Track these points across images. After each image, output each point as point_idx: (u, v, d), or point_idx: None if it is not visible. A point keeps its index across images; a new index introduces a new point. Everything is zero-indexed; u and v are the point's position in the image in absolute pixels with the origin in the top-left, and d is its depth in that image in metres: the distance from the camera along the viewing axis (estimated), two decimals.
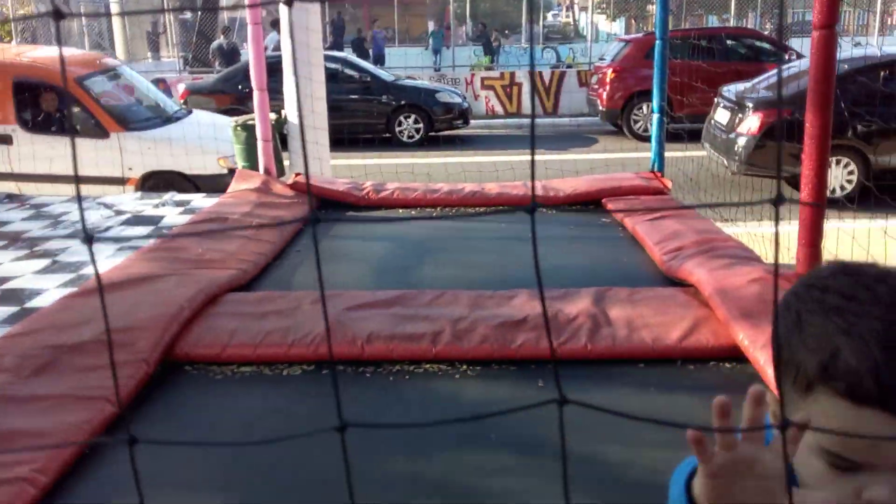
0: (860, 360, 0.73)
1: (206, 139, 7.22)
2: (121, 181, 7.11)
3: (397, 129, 12.10)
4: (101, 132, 7.14)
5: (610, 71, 11.78)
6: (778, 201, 0.50)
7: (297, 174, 5.34)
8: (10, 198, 5.51)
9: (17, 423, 2.22)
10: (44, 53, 7.96)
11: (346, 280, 3.62)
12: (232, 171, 6.60)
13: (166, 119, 7.93)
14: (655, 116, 4.89)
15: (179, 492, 2.07)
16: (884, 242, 4.92)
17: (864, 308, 0.76)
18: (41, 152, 6.87)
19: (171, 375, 2.72)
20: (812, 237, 2.90)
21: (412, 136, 12.10)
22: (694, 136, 8.61)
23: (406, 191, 4.97)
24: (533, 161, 0.55)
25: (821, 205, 2.87)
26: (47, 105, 7.36)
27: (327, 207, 4.84)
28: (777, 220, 0.52)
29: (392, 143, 11.92)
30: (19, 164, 6.94)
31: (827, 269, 0.85)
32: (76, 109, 7.17)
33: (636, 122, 11.64)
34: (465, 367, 2.66)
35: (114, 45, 18.34)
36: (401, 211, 4.82)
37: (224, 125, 7.53)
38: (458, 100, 12.52)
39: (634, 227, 4.08)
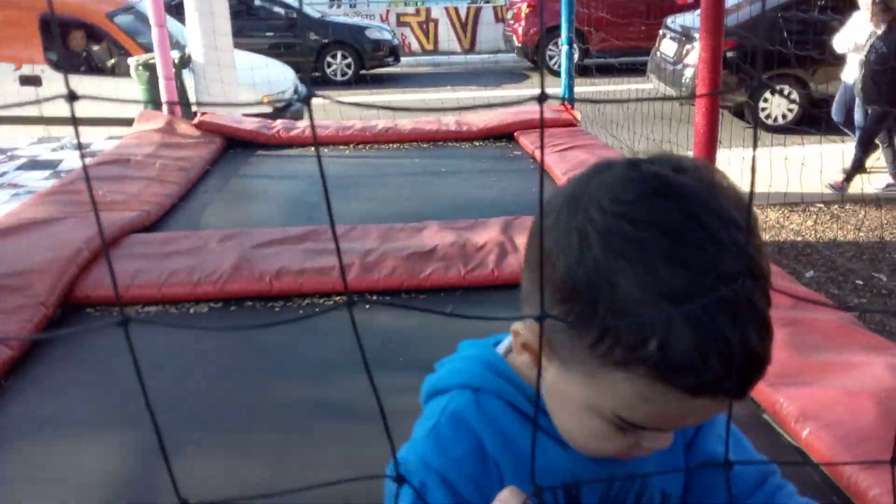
0: (702, 355, 0.59)
1: (246, 75, 6.74)
2: None
3: (327, 68, 11.79)
4: None
5: (525, 5, 11.72)
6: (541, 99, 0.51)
7: (204, 113, 5.18)
8: None
9: None
10: None
11: (255, 218, 3.56)
12: (276, 110, 6.30)
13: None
14: (564, 48, 4.91)
15: (80, 431, 2.04)
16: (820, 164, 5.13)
17: (705, 263, 0.59)
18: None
19: (72, 318, 2.65)
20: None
21: (345, 74, 11.81)
22: (607, 71, 8.72)
23: (318, 129, 4.89)
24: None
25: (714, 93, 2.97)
26: (76, 43, 6.86)
27: (235, 147, 4.73)
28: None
29: (321, 81, 11.62)
30: (51, 107, 6.31)
31: (632, 182, 0.64)
32: (107, 45, 6.70)
33: (552, 57, 11.67)
34: (375, 297, 2.68)
35: None
36: (311, 150, 4.74)
37: (262, 64, 7.17)
38: (387, 36, 12.26)
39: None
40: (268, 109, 6.90)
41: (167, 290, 2.70)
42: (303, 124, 5.02)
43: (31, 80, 6.67)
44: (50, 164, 4.62)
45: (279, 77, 7.61)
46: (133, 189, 3.76)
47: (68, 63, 6.82)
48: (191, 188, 3.97)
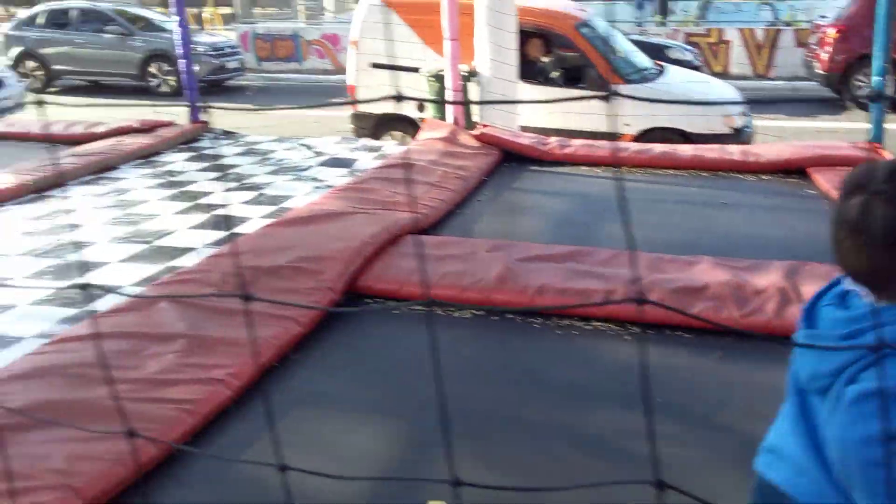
0: None
1: (705, 97, 6.48)
2: (612, 136, 6.40)
3: None
4: (600, 83, 6.35)
5: (833, 30, 10.75)
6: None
7: (485, 125, 5.39)
8: (227, 134, 6.03)
9: (218, 332, 2.46)
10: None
11: (523, 232, 3.64)
12: (737, 132, 6.00)
13: (646, 74, 6.94)
14: (875, 79, 4.42)
15: (350, 408, 2.22)
16: None
17: None
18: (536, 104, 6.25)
19: (353, 306, 2.90)
20: None
21: None
22: None
23: (592, 148, 4.88)
24: None
25: None
26: (533, 52, 6.85)
27: (511, 160, 4.87)
28: None
29: None
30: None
31: None
32: (574, 57, 6.62)
33: (859, 88, 10.58)
34: (637, 329, 2.60)
35: None
36: (584, 168, 4.74)
37: (720, 85, 6.94)
38: (689, 57, 11.88)
39: None
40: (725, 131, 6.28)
41: (437, 291, 2.84)
42: (577, 142, 5.03)
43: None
44: (347, 163, 5.10)
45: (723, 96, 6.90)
46: (415, 192, 4.02)
47: (530, 73, 6.70)
48: (466, 196, 4.16)
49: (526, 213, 3.90)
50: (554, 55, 6.91)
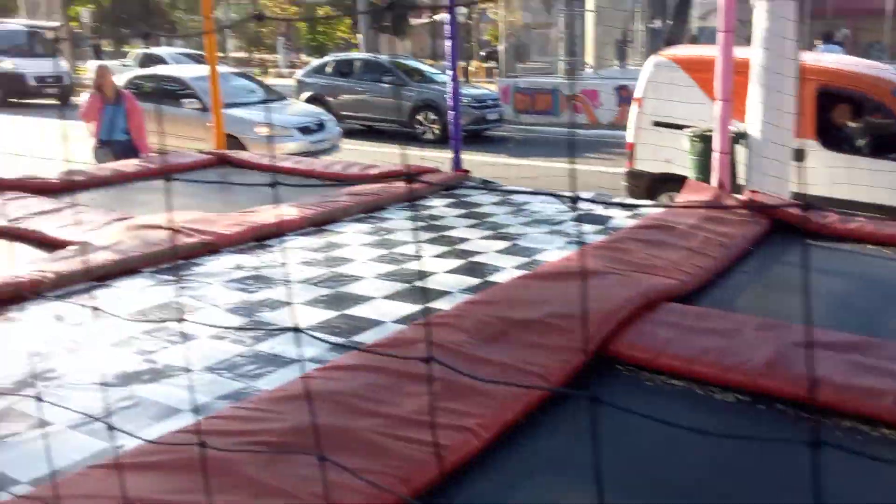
0: None
1: None
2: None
3: None
4: None
5: None
6: None
7: (753, 191, 5.07)
8: (485, 183, 6.24)
9: (469, 380, 2.49)
10: (836, 62, 6.89)
11: (794, 313, 3.31)
12: None
13: None
14: None
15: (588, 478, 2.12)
16: None
17: None
18: (839, 173, 6.03)
19: (603, 370, 2.80)
20: None
21: None
22: None
23: (881, 225, 4.37)
24: None
25: None
26: (839, 118, 6.57)
27: (781, 231, 4.51)
28: None
29: None
30: (813, 183, 6.20)
31: None
32: (889, 124, 6.18)
33: None
34: None
35: (584, 52, 19.50)
36: (870, 248, 4.25)
37: None
38: None
39: None
40: None
41: (696, 367, 2.66)
42: (863, 218, 4.54)
43: (797, 154, 6.20)
44: (602, 220, 5.04)
45: None
46: (673, 257, 3.84)
47: (839, 141, 6.35)
48: (729, 266, 3.90)
49: (798, 291, 3.55)
50: (863, 122, 6.34)
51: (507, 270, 3.90)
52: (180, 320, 3.05)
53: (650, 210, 5.33)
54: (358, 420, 2.15)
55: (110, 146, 6.71)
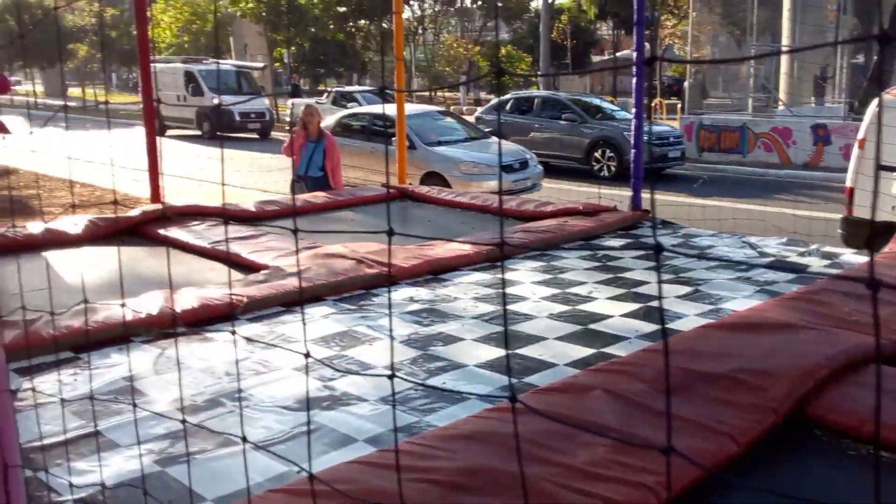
0: None
1: None
2: None
3: None
4: None
5: None
6: None
7: None
8: (665, 224, 6.00)
9: (649, 434, 2.35)
10: None
11: None
12: None
13: None
14: None
15: None
16: None
17: None
18: None
19: (797, 434, 2.55)
20: None
21: None
22: None
23: None
24: None
25: None
26: None
27: None
28: None
29: None
30: None
31: None
32: None
33: None
34: None
35: (777, 87, 18.45)
36: None
37: None
38: None
39: None
40: None
41: None
42: None
43: None
44: (796, 268, 4.67)
45: None
46: (881, 314, 3.47)
47: None
48: None
49: None
50: None
51: (690, 318, 3.69)
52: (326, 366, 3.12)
53: (852, 260, 4.87)
54: (530, 466, 2.08)
55: (306, 181, 7.13)
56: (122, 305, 3.49)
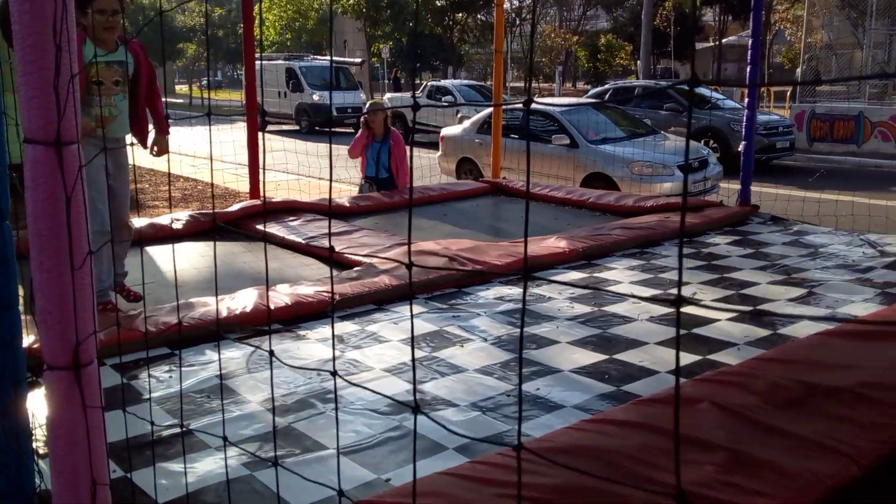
0: None
1: None
2: None
3: None
4: None
5: None
6: None
7: None
8: (776, 220, 5.65)
9: (761, 453, 2.16)
10: None
11: None
12: None
13: None
14: None
15: None
16: None
17: None
18: None
19: None
20: None
21: None
22: None
23: None
24: None
25: None
26: None
27: None
28: None
29: None
30: None
31: None
32: None
33: None
34: None
35: None
36: None
37: None
38: None
39: None
40: None
41: None
42: None
43: None
44: None
45: None
46: None
47: None
48: None
49: None
50: None
51: (803, 324, 3.42)
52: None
53: None
54: (628, 486, 1.94)
55: (374, 183, 6.75)
56: (218, 301, 3.53)
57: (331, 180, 1.05)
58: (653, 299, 3.70)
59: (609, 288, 4.11)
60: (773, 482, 2.04)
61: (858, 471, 2.18)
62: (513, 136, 9.45)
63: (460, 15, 33.85)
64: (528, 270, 0.81)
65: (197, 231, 5.33)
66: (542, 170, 8.76)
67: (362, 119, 6.70)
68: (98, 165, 3.37)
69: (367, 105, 6.98)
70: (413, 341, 1.63)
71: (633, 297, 1.15)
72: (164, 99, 3.75)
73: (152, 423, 1.88)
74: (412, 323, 0.93)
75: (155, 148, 3.85)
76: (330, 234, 1.36)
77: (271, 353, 1.22)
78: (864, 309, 3.67)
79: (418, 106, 1.06)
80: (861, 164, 12.47)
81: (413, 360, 1.78)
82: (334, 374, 1.06)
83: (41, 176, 1.35)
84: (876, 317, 3.35)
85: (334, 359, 1.29)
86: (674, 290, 3.99)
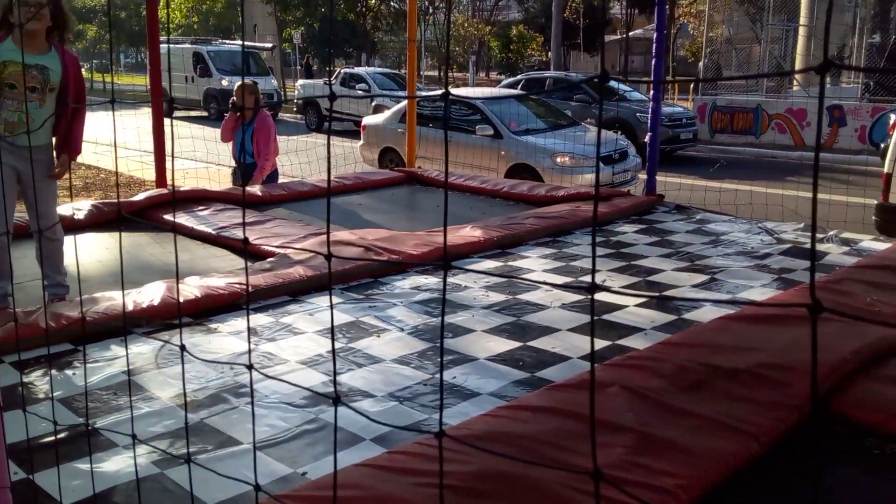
0: None
1: None
2: None
3: None
4: None
5: None
6: None
7: None
8: (680, 209, 5.87)
9: (668, 434, 2.25)
10: None
11: None
12: None
13: None
14: None
15: None
16: None
17: None
18: None
19: (822, 432, 2.45)
20: None
21: None
22: None
23: None
24: None
25: None
26: None
27: None
28: None
29: None
30: None
31: None
32: None
33: None
34: None
35: (792, 68, 18.16)
36: None
37: None
38: None
39: None
40: None
41: None
42: None
43: None
44: (815, 255, 4.55)
45: None
46: None
47: None
48: None
49: None
50: None
51: (706, 308, 3.58)
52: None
53: (872, 247, 4.74)
54: (543, 470, 1.99)
55: (240, 168, 6.29)
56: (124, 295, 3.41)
57: (233, 180, 1.02)
58: (567, 286, 3.78)
59: (523, 276, 4.18)
60: (679, 462, 2.13)
61: (759, 448, 2.30)
62: (432, 126, 9.47)
63: (374, 1, 33.58)
64: (447, 260, 0.82)
65: (100, 221, 5.13)
66: (466, 160, 8.75)
67: (231, 101, 6.44)
68: (5, 167, 3.16)
69: (236, 86, 6.50)
70: (333, 333, 1.62)
71: (547, 284, 1.18)
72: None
73: (55, 423, 1.80)
74: (332, 314, 0.93)
75: (57, 169, 3.61)
76: (244, 225, 1.33)
77: (182, 347, 1.19)
78: (762, 294, 3.86)
79: (335, 96, 1.05)
80: (759, 155, 13.07)
81: (333, 350, 1.75)
82: (250, 367, 1.04)
83: None
84: (773, 300, 3.52)
85: (250, 351, 1.26)
86: (585, 278, 4.10)
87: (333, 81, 20.29)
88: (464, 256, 4.52)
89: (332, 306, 0.88)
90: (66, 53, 3.49)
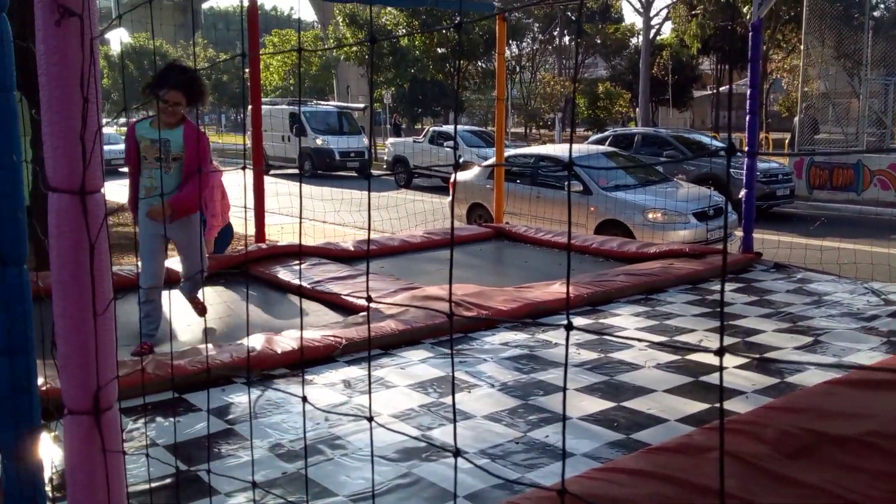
0: None
1: None
2: None
3: None
4: None
5: None
6: None
7: None
8: (779, 267, 5.68)
9: (772, 502, 2.15)
10: None
11: None
12: None
13: None
14: None
15: None
16: None
17: None
18: None
19: None
20: None
21: None
22: None
23: None
24: None
25: None
26: None
27: None
28: None
29: None
30: None
31: None
32: None
33: None
34: None
35: (895, 122, 17.44)
36: None
37: None
38: None
39: None
40: None
41: None
42: None
43: None
44: None
45: None
46: None
47: None
48: None
49: None
50: None
51: (811, 372, 3.43)
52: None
53: None
54: None
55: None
56: (218, 347, 3.54)
57: (370, 228, 1.07)
58: (690, 348, 3.71)
59: (616, 335, 4.11)
60: None
61: None
62: (519, 182, 9.55)
63: (461, 62, 34.39)
64: (570, 322, 0.83)
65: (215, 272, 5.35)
66: (554, 216, 8.77)
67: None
68: (148, 229, 3.94)
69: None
70: (454, 389, 1.63)
71: (672, 346, 1.17)
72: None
73: (177, 468, 1.87)
74: (453, 373, 0.95)
75: (161, 207, 3.90)
76: (368, 286, 1.37)
77: (304, 398, 1.24)
78: (870, 357, 3.67)
79: (458, 166, 1.08)
80: (861, 212, 12.55)
81: (453, 404, 1.77)
82: (370, 419, 1.07)
83: (66, 223, 1.37)
84: (883, 365, 3.35)
85: (371, 404, 1.29)
86: (680, 337, 4.00)
87: (422, 139, 20.77)
88: (553, 313, 4.49)
89: (452, 365, 0.90)
90: (188, 126, 3.98)
